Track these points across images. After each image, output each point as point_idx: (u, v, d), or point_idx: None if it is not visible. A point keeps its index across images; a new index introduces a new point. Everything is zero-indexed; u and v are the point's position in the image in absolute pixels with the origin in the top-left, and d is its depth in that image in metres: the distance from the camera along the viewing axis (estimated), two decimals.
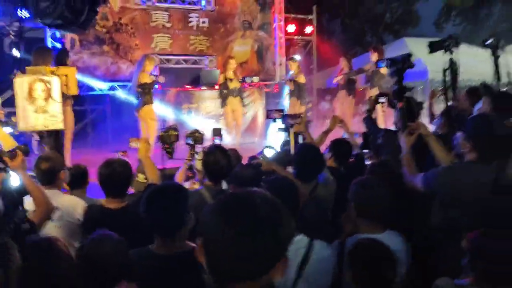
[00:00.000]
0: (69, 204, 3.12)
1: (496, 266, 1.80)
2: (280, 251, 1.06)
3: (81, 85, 7.84)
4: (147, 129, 7.49)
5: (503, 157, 2.58)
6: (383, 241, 2.38)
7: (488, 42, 4.24)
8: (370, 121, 4.50)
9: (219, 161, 3.06)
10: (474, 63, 8.80)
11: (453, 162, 2.78)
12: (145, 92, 7.49)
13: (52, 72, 4.86)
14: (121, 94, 9.48)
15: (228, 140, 8.06)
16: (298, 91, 9.24)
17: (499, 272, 1.80)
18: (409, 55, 3.26)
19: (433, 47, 3.71)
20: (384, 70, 8.18)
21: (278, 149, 4.64)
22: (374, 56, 8.57)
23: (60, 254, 2.00)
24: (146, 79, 7.52)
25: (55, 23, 1.88)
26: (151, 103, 7.62)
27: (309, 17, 12.54)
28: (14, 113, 4.77)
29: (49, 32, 8.75)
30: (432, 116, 4.88)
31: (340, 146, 3.98)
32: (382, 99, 4.40)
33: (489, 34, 4.36)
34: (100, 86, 9.34)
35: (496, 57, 4.22)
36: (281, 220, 1.06)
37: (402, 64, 3.23)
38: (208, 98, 9.96)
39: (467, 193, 2.53)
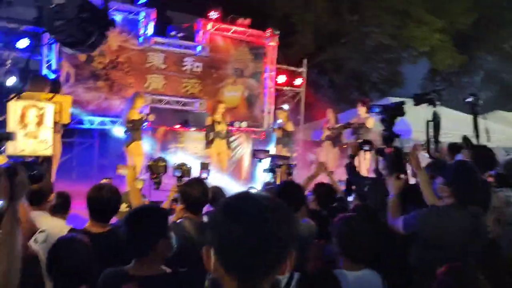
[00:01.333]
0: (55, 227, 3.09)
1: None
2: (286, 245, 1.08)
3: (71, 118, 7.88)
4: (134, 164, 7.52)
5: (480, 203, 2.71)
6: (361, 277, 2.45)
7: (468, 100, 4.46)
8: (351, 167, 4.57)
9: (194, 192, 3.12)
10: (455, 126, 9.13)
11: (432, 206, 2.88)
12: (134, 129, 7.60)
13: (48, 99, 4.97)
14: (110, 129, 9.55)
15: (215, 178, 8.09)
16: (285, 139, 9.43)
17: None
18: (402, 103, 3.37)
19: (417, 100, 3.90)
20: (370, 124, 8.43)
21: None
22: (362, 110, 8.83)
23: None
24: (135, 116, 7.65)
25: (67, 41, 1.99)
26: (140, 139, 7.71)
27: (300, 69, 12.98)
28: None
29: (45, 64, 8.90)
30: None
31: (324, 189, 4.07)
32: (366, 147, 4.54)
33: (468, 93, 4.58)
34: (90, 120, 9.41)
35: (475, 115, 4.44)
36: (284, 215, 1.09)
37: (394, 111, 3.33)
38: (196, 139, 10.07)
39: (447, 236, 2.63)
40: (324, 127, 9.75)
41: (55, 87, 6.71)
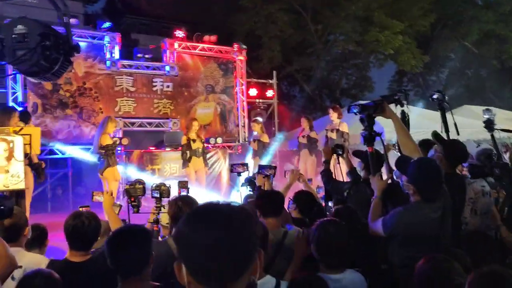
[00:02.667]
0: (33, 262, 3.01)
1: None
2: (250, 247, 1.12)
3: (42, 149, 7.74)
4: (110, 190, 7.41)
5: (445, 196, 2.77)
6: (343, 280, 2.47)
7: (434, 96, 4.57)
8: (327, 174, 4.57)
9: (182, 209, 3.10)
10: (425, 124, 9.36)
11: (406, 205, 2.91)
12: (107, 154, 7.47)
13: (16, 132, 4.87)
14: (83, 157, 9.40)
15: (195, 195, 8.05)
16: (262, 151, 9.46)
17: None
18: (381, 101, 3.30)
19: (385, 101, 3.96)
20: (344, 128, 8.56)
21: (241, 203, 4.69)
22: (334, 115, 8.95)
23: None
24: (108, 140, 7.53)
25: (30, 70, 1.96)
26: (115, 164, 7.60)
27: (270, 81, 13.11)
28: None
29: (11, 97, 8.75)
30: (390, 169, 5.10)
31: (303, 197, 4.08)
32: (339, 151, 4.57)
33: (434, 91, 4.70)
34: (62, 149, 9.25)
35: (442, 111, 4.55)
36: (245, 218, 1.13)
37: (373, 110, 3.26)
38: (172, 159, 10.00)
39: (420, 230, 2.68)
40: (299, 136, 9.82)
41: (25, 117, 6.58)
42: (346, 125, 8.79)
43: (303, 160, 9.48)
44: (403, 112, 4.01)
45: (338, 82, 21.76)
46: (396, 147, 4.34)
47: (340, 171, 5.39)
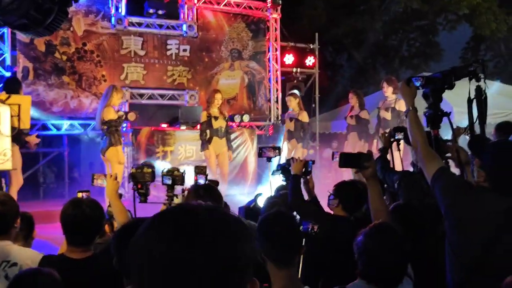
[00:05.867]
0: (28, 257, 3.08)
1: None
2: (242, 272, 1.00)
3: (32, 123, 7.93)
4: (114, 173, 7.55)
5: None
6: None
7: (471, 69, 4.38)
8: (383, 162, 4.53)
9: (203, 199, 3.12)
10: (507, 103, 9.11)
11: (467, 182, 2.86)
12: (111, 131, 7.59)
13: (2, 101, 4.99)
14: (81, 134, 9.60)
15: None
16: (299, 133, 9.41)
17: None
18: (450, 72, 3.19)
19: (457, 74, 3.85)
20: (401, 107, 8.43)
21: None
22: (388, 90, 8.83)
23: None
24: (112, 115, 7.64)
25: (18, 23, 1.98)
26: (120, 144, 7.72)
27: (311, 46, 12.97)
28: None
29: None
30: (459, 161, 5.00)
31: (347, 190, 4.03)
32: (399, 135, 4.51)
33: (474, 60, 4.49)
34: (57, 124, 9.46)
35: (477, 89, 4.37)
36: (234, 234, 1.01)
37: (441, 83, 3.16)
38: (188, 140, 10.09)
39: (479, 218, 2.62)
40: (347, 116, 9.71)
41: (13, 86, 6.73)
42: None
43: (351, 146, 9.37)
44: (478, 88, 3.88)
45: (397, 48, 21.35)
46: (468, 131, 4.25)
47: (400, 160, 5.34)
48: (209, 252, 0.95)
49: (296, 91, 10.53)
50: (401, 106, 8.62)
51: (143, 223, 1.03)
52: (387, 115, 8.86)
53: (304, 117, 9.67)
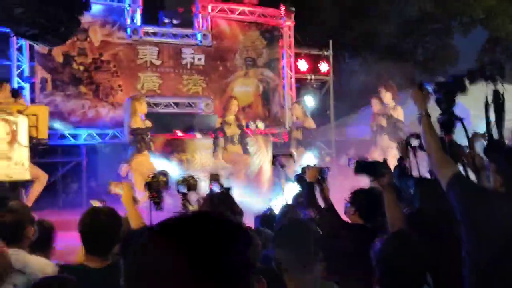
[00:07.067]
0: (37, 267, 3.06)
1: None
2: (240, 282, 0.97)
3: (51, 133, 7.99)
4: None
5: None
6: None
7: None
8: (401, 169, 4.46)
9: (218, 208, 3.10)
10: None
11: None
12: (138, 139, 7.58)
13: (20, 112, 5.03)
14: (99, 144, 9.65)
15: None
16: (308, 140, 9.35)
17: None
18: (462, 76, 3.14)
19: (472, 77, 3.78)
20: (399, 114, 8.25)
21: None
22: (387, 96, 8.63)
23: None
24: (139, 123, 7.64)
25: (29, 33, 1.97)
26: (146, 150, 7.68)
27: (325, 52, 12.92)
28: None
29: (16, 71, 9.06)
30: (475, 168, 4.91)
31: (365, 197, 3.97)
32: (414, 141, 4.44)
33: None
34: (74, 134, 9.52)
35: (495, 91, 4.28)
36: (229, 239, 0.99)
37: (454, 87, 3.12)
38: (204, 148, 10.07)
39: (495, 222, 2.57)
40: (372, 122, 9.14)
41: (15, 94, 6.72)
42: (402, 111, 8.43)
43: (381, 151, 8.55)
44: (496, 92, 3.81)
45: (412, 52, 21.19)
46: (487, 136, 4.17)
47: (417, 167, 5.23)
48: (195, 261, 0.93)
49: (300, 100, 10.49)
50: (399, 113, 8.43)
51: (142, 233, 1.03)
52: (383, 122, 8.62)
53: (310, 123, 9.60)
